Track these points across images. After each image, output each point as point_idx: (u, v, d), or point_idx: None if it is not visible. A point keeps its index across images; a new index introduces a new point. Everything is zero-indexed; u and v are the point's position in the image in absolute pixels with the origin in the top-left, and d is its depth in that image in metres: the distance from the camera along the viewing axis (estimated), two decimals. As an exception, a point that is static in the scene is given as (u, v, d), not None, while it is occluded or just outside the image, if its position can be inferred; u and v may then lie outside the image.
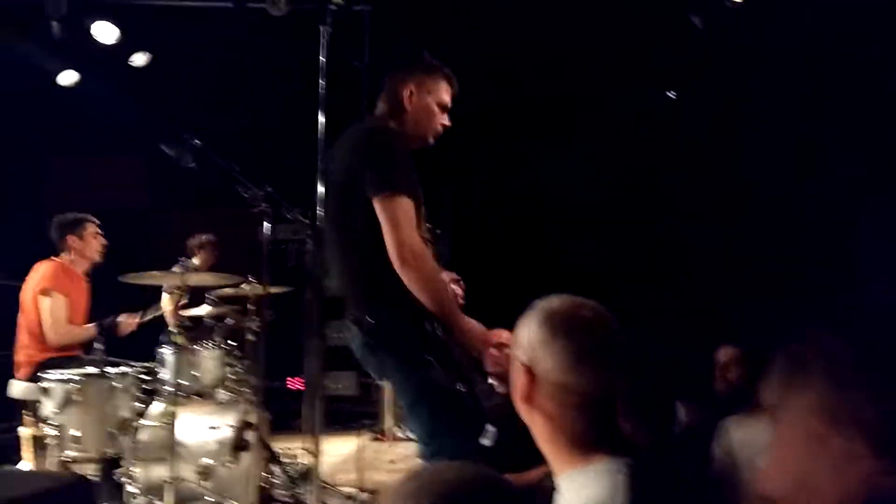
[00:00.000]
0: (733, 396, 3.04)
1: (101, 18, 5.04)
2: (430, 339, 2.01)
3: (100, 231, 4.06)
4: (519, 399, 1.21)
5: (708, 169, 5.80)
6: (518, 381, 1.20)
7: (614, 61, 5.49)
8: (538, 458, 1.24)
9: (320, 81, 2.39)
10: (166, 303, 4.92)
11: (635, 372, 1.23)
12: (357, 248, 2.11)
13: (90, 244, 3.98)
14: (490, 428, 3.26)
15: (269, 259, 3.61)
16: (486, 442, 3.17)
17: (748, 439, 2.50)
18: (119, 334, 4.03)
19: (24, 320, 3.83)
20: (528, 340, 1.20)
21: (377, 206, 2.01)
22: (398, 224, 1.99)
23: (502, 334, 3.35)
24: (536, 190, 6.26)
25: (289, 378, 6.66)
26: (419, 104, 2.26)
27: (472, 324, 2.15)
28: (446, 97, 2.32)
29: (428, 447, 2.13)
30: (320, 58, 2.28)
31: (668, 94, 5.84)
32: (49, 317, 3.72)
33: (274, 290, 3.79)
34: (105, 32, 5.08)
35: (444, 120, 2.33)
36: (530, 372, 1.18)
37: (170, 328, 4.87)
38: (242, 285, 4.03)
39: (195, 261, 5.01)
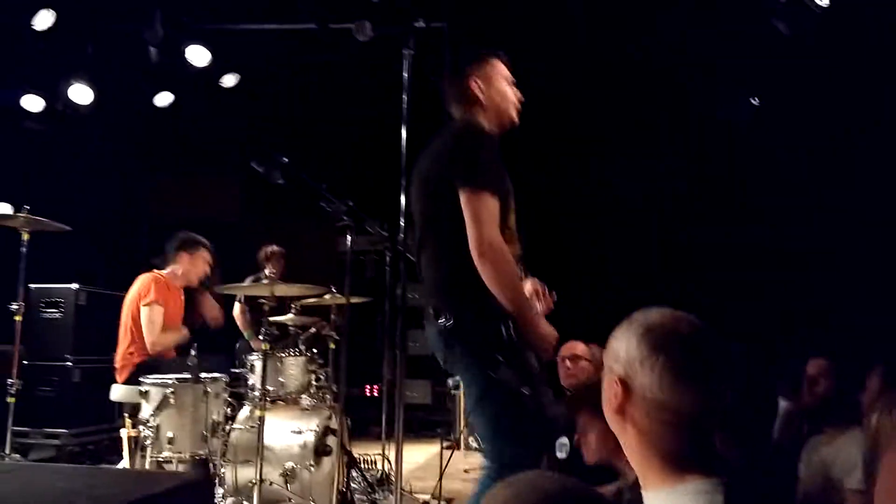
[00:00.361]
0: (821, 410, 2.92)
1: (194, 43, 5.34)
2: (502, 339, 2.03)
3: (210, 261, 4.29)
4: (611, 411, 1.20)
5: (792, 177, 5.60)
6: (611, 393, 1.19)
7: (695, 68, 5.40)
8: (602, 472, 1.24)
9: (403, 97, 2.47)
10: (236, 311, 5.18)
11: (733, 389, 1.21)
12: (442, 242, 2.16)
13: (197, 268, 4.24)
14: (563, 440, 3.27)
15: (349, 270, 3.72)
16: (560, 454, 3.18)
17: (839, 457, 2.39)
18: (212, 326, 4.24)
19: (125, 327, 4.10)
20: (625, 354, 1.19)
21: (463, 201, 2.06)
22: (480, 219, 2.03)
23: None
24: (613, 200, 6.20)
25: (367, 385, 6.83)
26: (490, 90, 2.32)
27: (547, 327, 2.17)
28: (506, 72, 2.38)
29: (489, 447, 2.16)
30: (403, 74, 2.36)
31: (752, 100, 5.68)
32: (148, 324, 3.98)
33: (354, 300, 3.90)
34: (198, 56, 5.39)
35: (517, 93, 2.39)
36: (626, 386, 1.17)
37: (245, 335, 5.16)
38: (325, 295, 4.17)
39: (266, 272, 5.24)
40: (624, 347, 1.20)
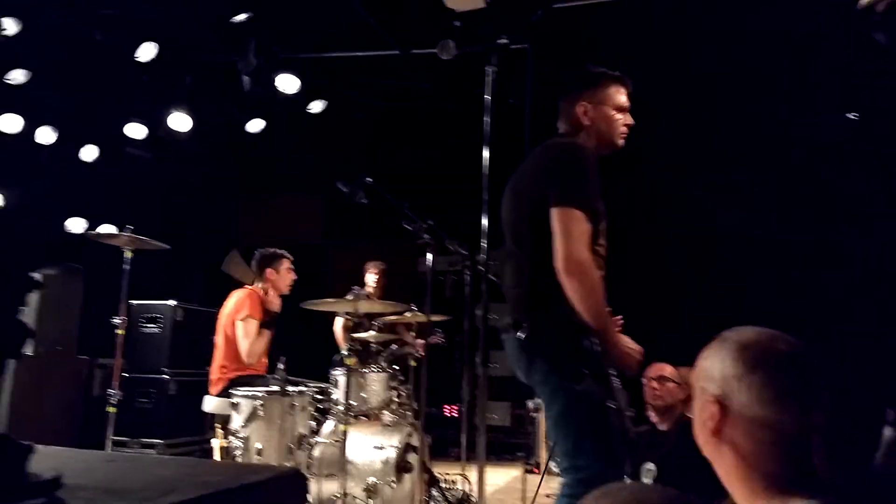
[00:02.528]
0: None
1: (285, 71, 5.58)
2: (586, 353, 2.01)
3: (293, 267, 4.48)
4: (707, 433, 1.17)
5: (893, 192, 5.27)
6: (707, 415, 1.16)
7: (791, 83, 5.21)
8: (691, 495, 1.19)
9: (485, 119, 2.49)
10: (338, 327, 5.32)
11: (835, 406, 1.15)
12: (528, 256, 2.16)
13: (284, 278, 4.41)
14: (650, 466, 3.17)
15: (430, 288, 3.77)
16: (646, 480, 3.07)
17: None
18: (277, 311, 4.39)
19: (220, 341, 4.27)
20: (720, 373, 1.15)
21: (553, 217, 2.07)
22: (569, 235, 2.04)
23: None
24: (702, 221, 6.01)
25: (445, 405, 6.83)
26: (597, 116, 2.33)
27: (631, 344, 2.13)
28: (621, 99, 2.37)
29: (568, 462, 2.11)
30: (485, 96, 2.38)
31: (850, 116, 5.41)
32: (244, 338, 4.14)
33: (434, 318, 3.94)
34: (287, 84, 5.62)
35: (627, 119, 2.37)
36: (723, 406, 1.14)
37: (342, 351, 5.27)
38: (406, 313, 4.22)
39: (368, 288, 5.41)
40: (719, 366, 1.17)
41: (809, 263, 5.54)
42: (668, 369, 3.24)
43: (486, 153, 2.52)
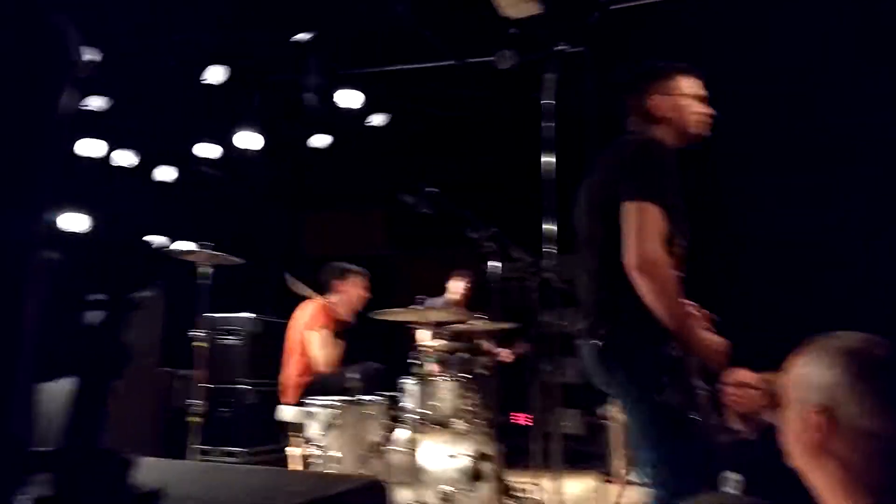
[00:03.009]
0: None
1: (346, 87, 5.71)
2: (666, 361, 1.93)
3: (365, 285, 4.54)
4: (808, 447, 1.11)
5: None
6: (809, 425, 1.11)
7: (868, 80, 4.97)
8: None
9: (546, 124, 2.45)
10: (426, 337, 5.37)
11: None
12: (601, 259, 2.07)
13: (351, 293, 4.50)
14: (734, 475, 3.06)
15: (496, 296, 3.76)
16: (730, 490, 2.97)
17: None
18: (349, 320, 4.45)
19: (291, 351, 4.39)
20: (826, 382, 1.10)
21: (623, 213, 1.97)
22: (640, 230, 1.93)
23: (745, 373, 3.15)
24: (786, 226, 5.78)
25: (512, 413, 6.78)
26: (669, 107, 2.22)
27: (714, 338, 2.02)
28: (692, 88, 2.25)
29: (654, 475, 2.03)
30: (549, 102, 2.36)
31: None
32: (319, 349, 4.24)
33: (502, 326, 3.93)
34: (349, 99, 5.75)
35: (704, 108, 2.25)
36: (830, 416, 1.08)
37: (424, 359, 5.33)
38: (472, 321, 4.23)
39: (450, 296, 5.44)
40: (823, 374, 1.11)
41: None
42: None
43: (549, 158, 2.48)
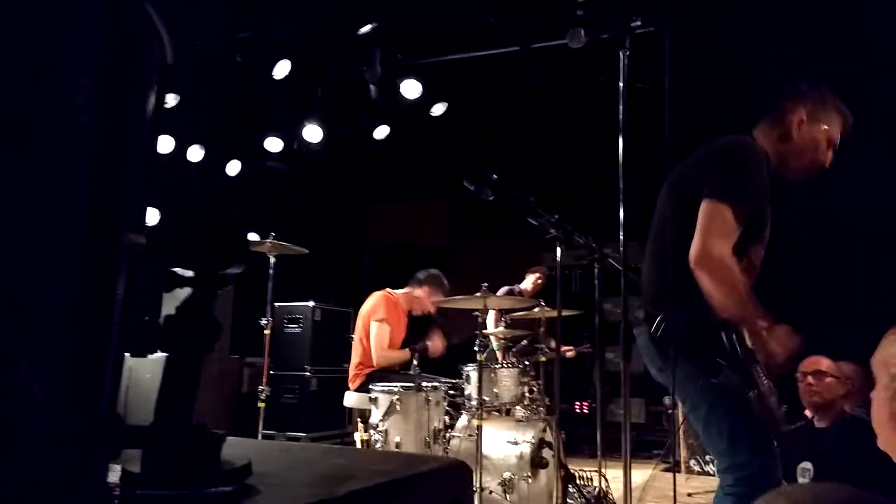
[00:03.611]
0: None
1: (408, 77, 5.73)
2: (723, 347, 1.94)
3: (438, 301, 4.60)
4: None
5: None
6: None
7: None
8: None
9: (620, 108, 2.38)
10: (490, 320, 5.44)
11: None
12: (665, 247, 2.09)
13: (425, 305, 4.59)
14: (807, 465, 2.97)
15: (560, 282, 3.74)
16: (802, 479, 2.88)
17: None
18: (429, 356, 4.51)
19: (357, 340, 4.48)
20: None
21: (700, 209, 2.00)
22: (709, 227, 1.96)
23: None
24: (860, 211, 5.53)
25: (576, 402, 6.75)
26: (808, 134, 2.18)
27: (783, 336, 2.02)
28: (837, 133, 2.22)
29: (718, 458, 2.04)
30: (620, 84, 2.30)
31: None
32: (375, 341, 4.31)
33: (564, 312, 3.90)
34: (411, 89, 5.77)
35: (829, 156, 2.22)
36: None
37: (493, 345, 5.39)
38: (535, 309, 4.22)
39: (525, 285, 5.53)
40: None
41: None
42: (825, 363, 3.01)
43: (620, 142, 2.40)
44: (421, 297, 4.54)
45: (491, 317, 5.40)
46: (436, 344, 4.53)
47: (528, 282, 5.63)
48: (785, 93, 2.23)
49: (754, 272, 2.14)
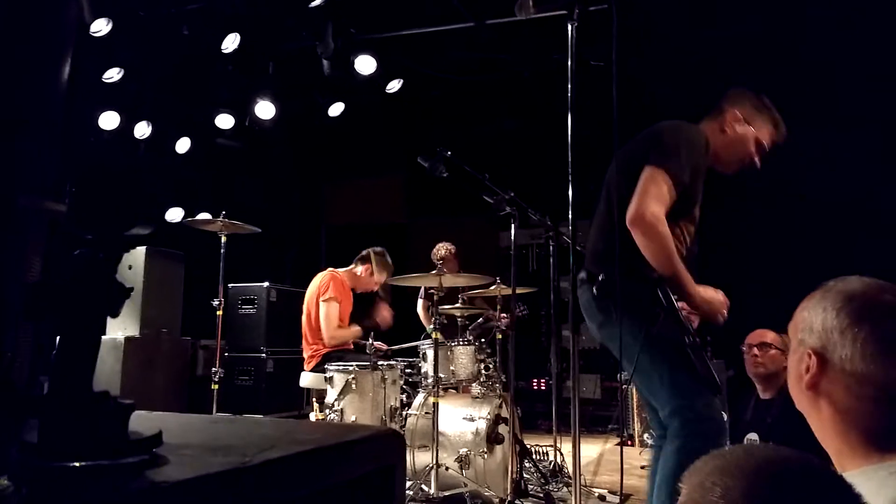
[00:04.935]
0: None
1: (362, 53, 5.62)
2: (659, 300, 2.05)
3: (383, 282, 4.55)
4: (802, 387, 1.11)
5: None
6: (803, 367, 1.10)
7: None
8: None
9: (569, 83, 2.35)
10: (420, 307, 5.39)
11: None
12: (612, 212, 2.18)
13: (370, 284, 4.56)
14: (753, 436, 3.04)
15: (515, 260, 3.73)
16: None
17: None
18: (381, 329, 4.48)
19: (307, 320, 4.42)
20: (821, 325, 1.09)
21: (642, 175, 2.11)
22: (646, 190, 2.08)
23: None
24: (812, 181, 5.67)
25: (533, 379, 6.82)
26: (740, 131, 2.35)
27: (712, 292, 2.15)
28: (767, 140, 2.37)
29: (671, 405, 2.09)
30: (569, 57, 2.27)
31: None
32: (326, 319, 4.26)
33: (520, 290, 3.90)
34: (365, 65, 5.66)
35: (756, 160, 2.37)
36: (823, 358, 1.08)
37: (427, 329, 5.36)
38: (491, 286, 4.21)
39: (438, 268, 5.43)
40: (819, 317, 1.10)
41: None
42: (769, 335, 3.08)
43: (569, 119, 2.37)
44: (364, 276, 4.50)
45: (420, 306, 5.36)
46: (383, 316, 4.50)
47: (440, 259, 5.25)
48: (729, 94, 2.41)
49: (684, 245, 2.24)
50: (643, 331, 2.05)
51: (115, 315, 0.64)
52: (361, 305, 4.64)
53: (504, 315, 4.37)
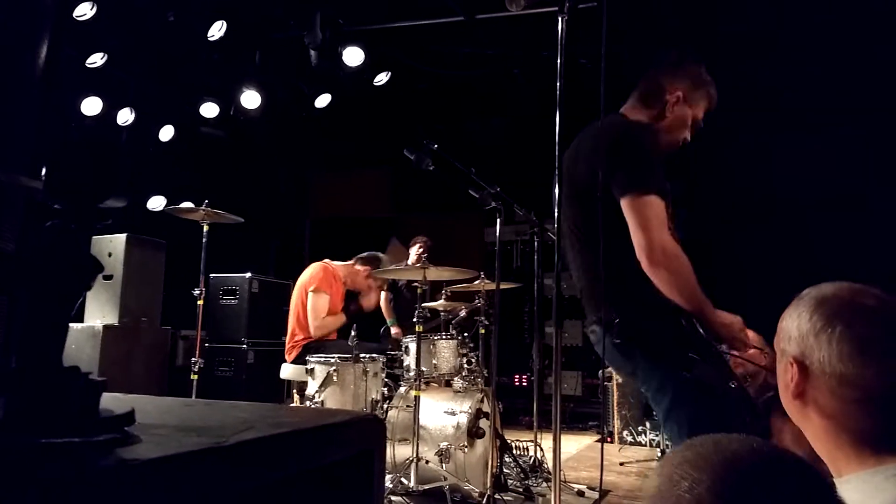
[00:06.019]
0: None
1: (350, 44, 5.58)
2: (687, 336, 1.89)
3: (373, 286, 4.57)
4: (790, 398, 1.10)
5: None
6: (787, 378, 1.09)
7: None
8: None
9: (558, 84, 2.32)
10: (382, 300, 5.37)
11: None
12: (597, 249, 1.98)
13: (361, 284, 4.56)
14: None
15: (499, 257, 3.72)
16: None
17: None
18: (365, 311, 4.45)
19: (293, 312, 4.39)
20: (798, 331, 1.09)
21: (625, 206, 1.93)
22: (648, 224, 1.90)
23: (748, 335, 3.13)
24: (792, 191, 5.71)
25: (515, 375, 6.83)
26: (680, 113, 2.18)
27: (728, 316, 1.98)
28: (702, 114, 2.23)
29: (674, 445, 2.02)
30: (559, 52, 2.25)
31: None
32: (313, 310, 4.23)
33: (503, 285, 3.89)
34: (353, 57, 5.62)
35: (689, 135, 2.23)
36: (802, 366, 1.07)
37: (388, 322, 5.36)
38: (474, 281, 4.20)
39: (411, 261, 5.39)
40: (795, 324, 1.10)
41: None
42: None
43: (557, 116, 2.34)
44: (361, 276, 4.50)
45: (382, 298, 5.34)
46: (369, 299, 4.47)
47: (412, 256, 5.24)
48: (663, 67, 2.22)
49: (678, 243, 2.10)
50: (675, 375, 1.89)
51: (87, 288, 0.62)
52: (351, 300, 4.62)
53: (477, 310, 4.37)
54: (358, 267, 4.52)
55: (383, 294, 5.39)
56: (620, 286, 1.97)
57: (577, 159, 2.13)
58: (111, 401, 0.74)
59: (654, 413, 2.04)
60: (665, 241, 1.89)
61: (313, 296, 4.25)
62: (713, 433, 1.99)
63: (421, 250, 5.18)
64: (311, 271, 4.40)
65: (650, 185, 1.92)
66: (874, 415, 1.02)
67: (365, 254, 4.60)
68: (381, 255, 4.62)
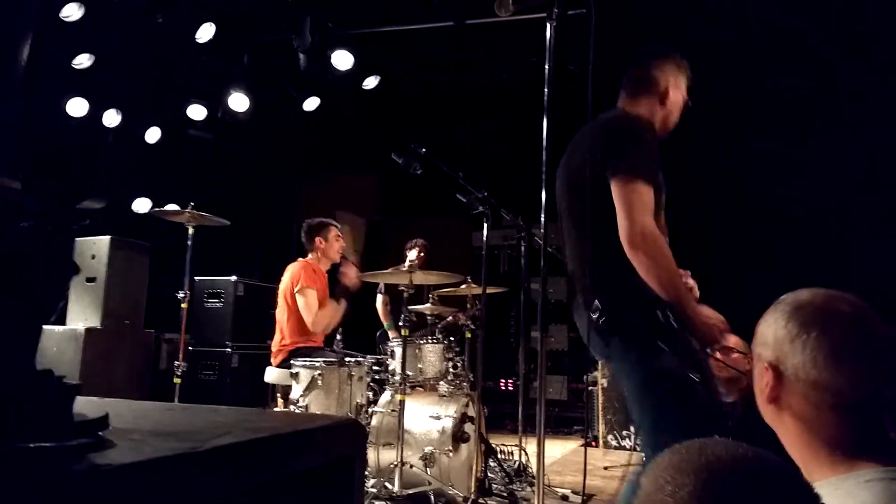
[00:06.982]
0: None
1: (339, 48, 5.57)
2: (661, 327, 1.91)
3: (340, 235, 4.53)
4: (764, 401, 1.11)
5: None
6: (763, 382, 1.11)
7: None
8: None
9: (545, 89, 2.33)
10: (379, 303, 5.36)
11: None
12: (589, 234, 2.05)
13: (333, 246, 4.46)
14: (716, 438, 3.07)
15: (486, 259, 3.72)
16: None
17: None
18: (353, 291, 4.41)
19: (280, 314, 4.35)
20: (773, 336, 1.10)
21: (614, 189, 1.97)
22: (632, 208, 1.94)
23: (730, 338, 3.14)
24: (775, 193, 5.77)
25: (501, 379, 6.83)
26: (675, 97, 2.28)
27: (709, 312, 2.02)
28: (686, 97, 2.32)
29: (651, 440, 2.00)
30: (546, 57, 2.26)
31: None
32: (306, 308, 4.20)
33: (490, 289, 3.89)
34: (342, 60, 5.61)
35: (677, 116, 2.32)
36: (777, 371, 1.08)
37: (384, 326, 5.33)
38: (461, 285, 4.21)
39: (407, 263, 5.37)
40: (771, 329, 1.11)
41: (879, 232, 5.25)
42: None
43: (545, 121, 2.36)
44: (322, 247, 4.44)
45: (379, 301, 5.35)
46: (348, 275, 4.42)
47: (411, 257, 5.25)
48: (650, 59, 2.30)
49: (665, 235, 2.13)
50: (643, 364, 1.94)
51: (63, 289, 0.62)
52: (329, 275, 4.55)
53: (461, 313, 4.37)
54: (319, 246, 4.46)
55: (380, 297, 5.37)
56: (606, 272, 2.02)
57: (576, 149, 2.20)
58: (86, 405, 0.73)
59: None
60: (646, 226, 1.93)
61: (301, 296, 4.22)
62: (677, 424, 1.98)
63: (421, 254, 5.21)
64: (292, 272, 4.37)
65: (641, 171, 1.98)
66: (847, 421, 1.04)
67: (306, 232, 4.52)
68: (312, 221, 4.57)
